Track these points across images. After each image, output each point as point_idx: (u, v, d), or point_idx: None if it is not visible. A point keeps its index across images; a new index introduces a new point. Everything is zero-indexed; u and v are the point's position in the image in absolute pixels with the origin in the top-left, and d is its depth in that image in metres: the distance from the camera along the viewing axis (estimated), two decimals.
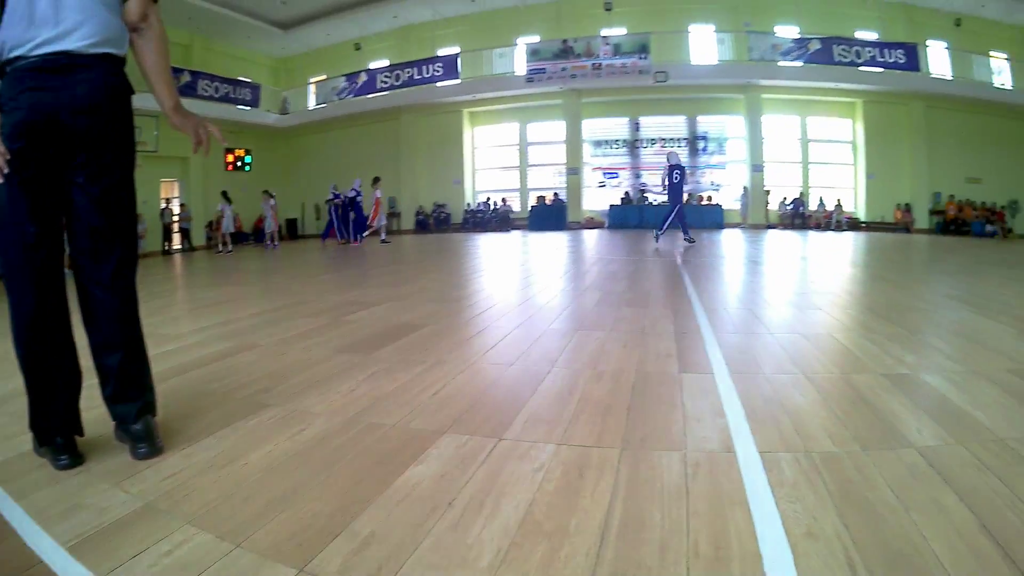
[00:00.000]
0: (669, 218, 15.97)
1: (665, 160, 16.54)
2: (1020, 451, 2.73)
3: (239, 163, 25.30)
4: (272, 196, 22.42)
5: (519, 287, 8.18)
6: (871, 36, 25.37)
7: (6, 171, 2.43)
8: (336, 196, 21.32)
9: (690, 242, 15.62)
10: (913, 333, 5.41)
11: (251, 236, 26.08)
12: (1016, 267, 12.29)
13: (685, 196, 25.16)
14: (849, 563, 1.83)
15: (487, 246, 16.81)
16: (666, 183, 16.16)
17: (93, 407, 2.85)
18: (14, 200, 2.46)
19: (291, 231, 27.72)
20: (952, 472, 2.50)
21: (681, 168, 15.98)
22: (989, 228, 24.10)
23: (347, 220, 20.94)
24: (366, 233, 20.86)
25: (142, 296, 2.70)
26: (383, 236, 21.10)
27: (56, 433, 2.59)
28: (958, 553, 1.91)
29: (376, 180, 21.12)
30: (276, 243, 21.86)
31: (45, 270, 2.50)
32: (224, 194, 20.95)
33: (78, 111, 2.46)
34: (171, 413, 3.06)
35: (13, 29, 2.46)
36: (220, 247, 20.53)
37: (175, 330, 5.57)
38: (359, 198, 20.83)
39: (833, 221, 25.16)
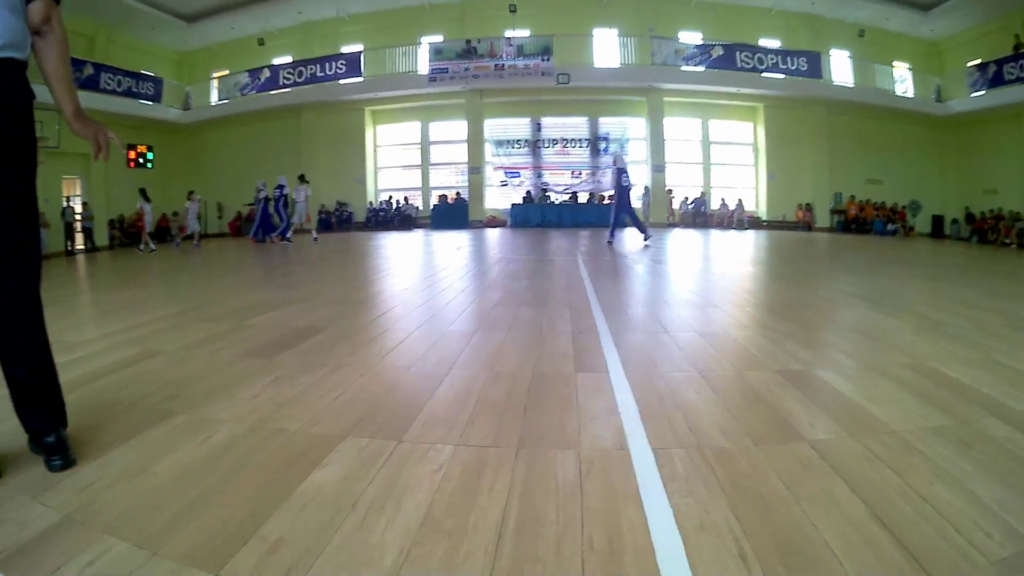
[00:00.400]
0: (615, 221, 16.29)
1: (612, 162, 16.73)
2: (913, 442, 2.91)
3: (141, 159, 24.56)
4: (196, 197, 21.96)
5: (421, 288, 8.21)
6: (774, 44, 26.25)
7: None
8: (261, 192, 20.98)
9: (646, 238, 15.93)
10: (810, 330, 5.63)
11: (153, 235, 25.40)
12: (915, 265, 12.90)
13: (585, 196, 25.58)
14: (741, 554, 1.95)
15: (390, 246, 16.78)
16: (614, 185, 16.35)
17: (3, 419, 2.86)
18: None
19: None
20: (844, 464, 2.64)
21: (626, 170, 16.13)
22: (891, 227, 25.23)
23: (266, 218, 20.65)
24: (289, 234, 20.32)
25: (45, 300, 2.68)
26: (314, 235, 20.72)
27: None
28: (850, 541, 2.05)
29: (302, 178, 20.89)
30: (198, 243, 21.13)
31: None
32: (143, 192, 20.31)
33: None
34: (81, 423, 3.04)
35: None
36: (143, 246, 19.77)
37: (79, 337, 5.45)
38: (282, 196, 20.48)
39: (735, 220, 25.82)
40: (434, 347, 4.77)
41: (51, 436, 2.59)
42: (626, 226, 16.43)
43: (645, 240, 15.67)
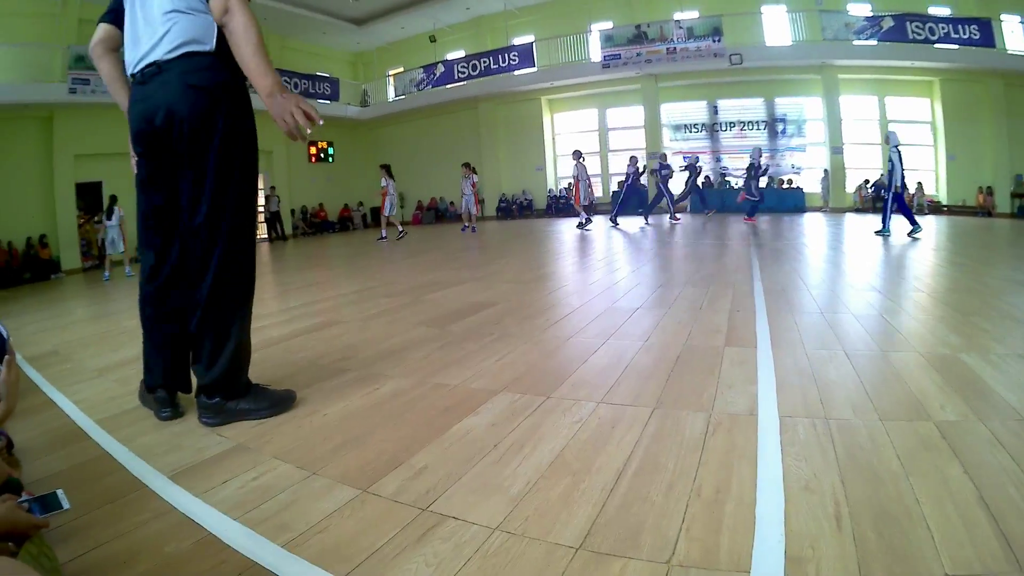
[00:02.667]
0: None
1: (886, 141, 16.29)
2: None
3: (322, 154, 25.75)
4: (473, 172, 19.96)
5: (592, 268, 8.37)
6: (944, 12, 24.48)
7: (135, 172, 2.97)
8: (665, 167, 20.48)
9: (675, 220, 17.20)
10: (965, 315, 5.42)
11: (336, 225, 26.60)
12: None
13: (764, 181, 24.93)
14: (836, 515, 2.04)
15: (567, 231, 17.00)
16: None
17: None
18: (137, 199, 3.00)
19: (375, 218, 27.06)
20: (964, 446, 2.63)
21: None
22: None
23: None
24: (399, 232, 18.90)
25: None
26: (400, 231, 18.90)
27: (160, 386, 3.03)
28: (949, 520, 2.07)
29: (385, 168, 18.81)
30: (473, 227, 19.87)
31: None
32: (387, 168, 18.65)
33: (162, 115, 2.76)
34: (263, 377, 3.40)
35: (128, 52, 2.89)
36: (387, 233, 18.65)
37: (265, 309, 5.94)
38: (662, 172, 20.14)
39: (915, 205, 24.67)
40: (596, 320, 4.97)
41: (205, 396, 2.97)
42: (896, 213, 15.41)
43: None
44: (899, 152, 13.72)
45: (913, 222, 13.43)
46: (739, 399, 3.06)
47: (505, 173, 27.07)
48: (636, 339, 4.29)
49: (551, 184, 27.34)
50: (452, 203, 26.10)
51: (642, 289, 6.53)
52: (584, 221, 17.58)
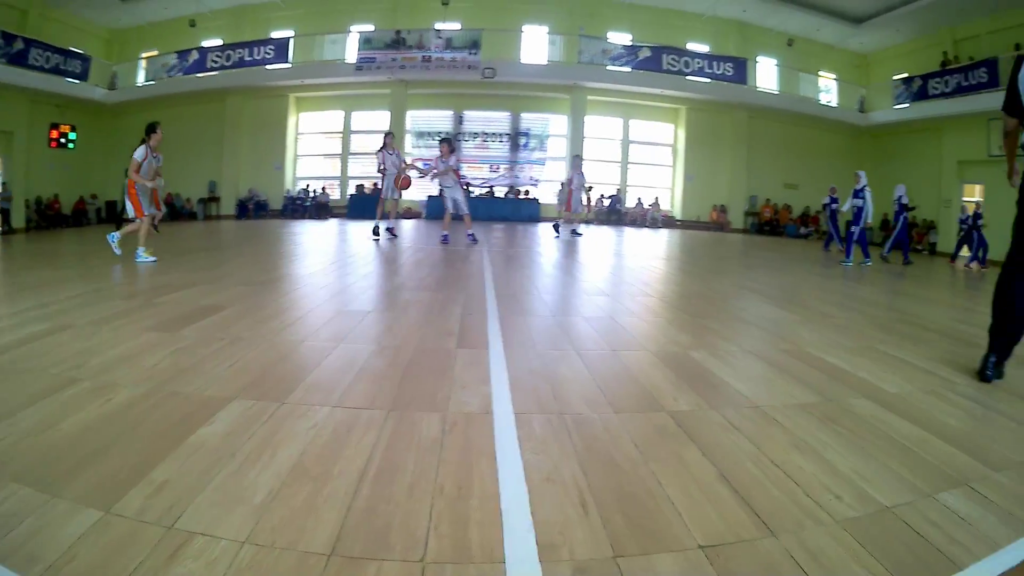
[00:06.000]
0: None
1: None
2: (774, 416, 3.24)
3: (63, 139, 23.84)
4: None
5: (326, 272, 8.34)
6: (703, 48, 26.60)
7: None
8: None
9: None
10: (695, 318, 5.97)
11: (70, 218, 24.48)
12: (821, 264, 13.43)
13: (503, 191, 25.62)
14: (582, 503, 2.21)
15: (303, 233, 16.76)
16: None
17: None
18: None
19: (110, 214, 25.17)
20: (700, 432, 2.94)
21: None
22: (803, 230, 26.11)
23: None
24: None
25: None
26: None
27: None
28: (693, 498, 2.32)
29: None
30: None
31: None
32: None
33: None
34: None
35: None
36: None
37: None
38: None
39: (649, 218, 26.23)
40: (328, 323, 5.01)
41: None
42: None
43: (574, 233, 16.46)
44: (870, 191, 15.46)
45: (865, 254, 15.24)
46: (473, 399, 3.22)
47: (245, 171, 26.25)
48: (369, 342, 4.40)
49: (288, 185, 26.79)
50: (188, 200, 24.87)
51: (374, 292, 6.70)
52: (575, 231, 17.54)
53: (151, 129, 9.80)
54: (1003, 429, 3.50)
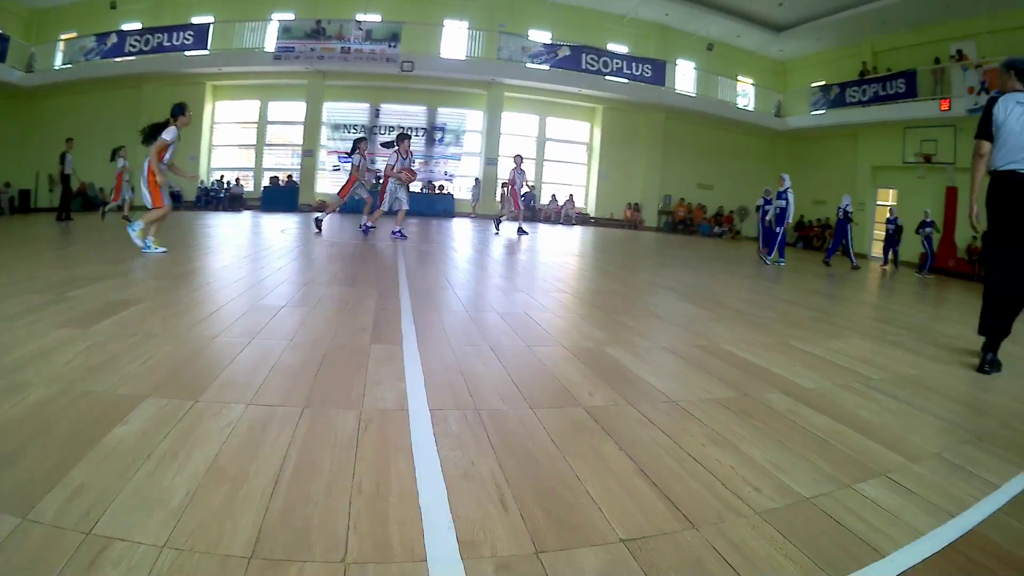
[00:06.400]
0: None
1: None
2: (691, 411, 3.32)
3: None
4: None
5: (239, 266, 8.21)
6: (623, 49, 27.22)
7: None
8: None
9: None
10: (610, 314, 6.08)
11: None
12: (735, 263, 13.90)
13: (418, 186, 25.56)
14: (501, 498, 2.24)
15: (216, 225, 16.29)
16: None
17: None
18: None
19: (23, 204, 24.58)
20: (617, 427, 2.99)
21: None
22: (717, 229, 26.93)
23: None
24: (108, 208, 18.04)
25: None
26: (125, 212, 17.80)
27: None
28: (611, 491, 2.36)
29: (117, 151, 17.82)
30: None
31: None
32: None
33: None
34: None
35: None
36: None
37: None
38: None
39: (563, 215, 26.49)
40: (241, 318, 4.93)
41: None
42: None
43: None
44: (792, 193, 16.40)
45: (781, 254, 16.05)
46: (388, 395, 3.23)
47: None
48: (282, 338, 4.34)
49: (203, 176, 26.21)
50: (102, 189, 24.12)
51: (288, 287, 6.59)
52: (503, 228, 17.46)
53: (180, 111, 9.27)
54: (918, 421, 3.67)
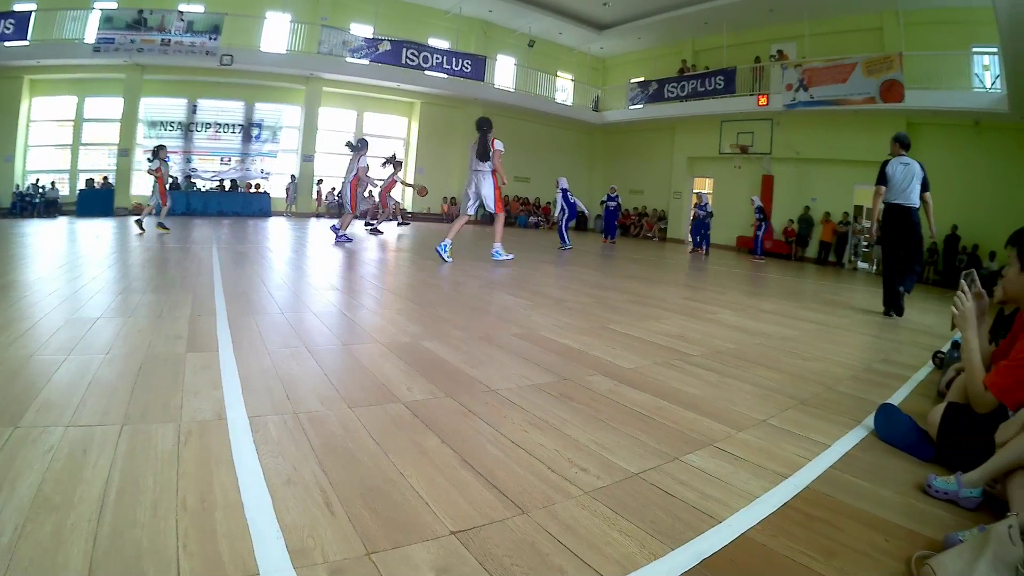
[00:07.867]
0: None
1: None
2: (510, 398, 3.44)
3: None
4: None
5: (53, 277, 7.70)
6: (444, 45, 27.46)
7: None
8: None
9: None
10: (425, 307, 6.21)
11: None
12: (550, 254, 14.27)
13: (228, 184, 24.95)
14: (327, 502, 2.25)
15: (30, 235, 14.87)
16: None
17: None
18: None
19: None
20: (437, 420, 3.06)
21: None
22: (532, 220, 27.54)
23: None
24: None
25: None
26: None
27: None
28: (437, 485, 2.41)
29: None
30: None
31: None
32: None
33: None
34: None
35: None
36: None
37: None
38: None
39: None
40: (57, 333, 4.70)
41: None
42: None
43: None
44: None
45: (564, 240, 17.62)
46: (206, 405, 3.18)
47: None
48: (98, 351, 4.19)
49: (19, 179, 24.27)
50: None
51: (104, 296, 6.34)
52: (343, 235, 14.66)
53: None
54: (740, 392, 3.95)
